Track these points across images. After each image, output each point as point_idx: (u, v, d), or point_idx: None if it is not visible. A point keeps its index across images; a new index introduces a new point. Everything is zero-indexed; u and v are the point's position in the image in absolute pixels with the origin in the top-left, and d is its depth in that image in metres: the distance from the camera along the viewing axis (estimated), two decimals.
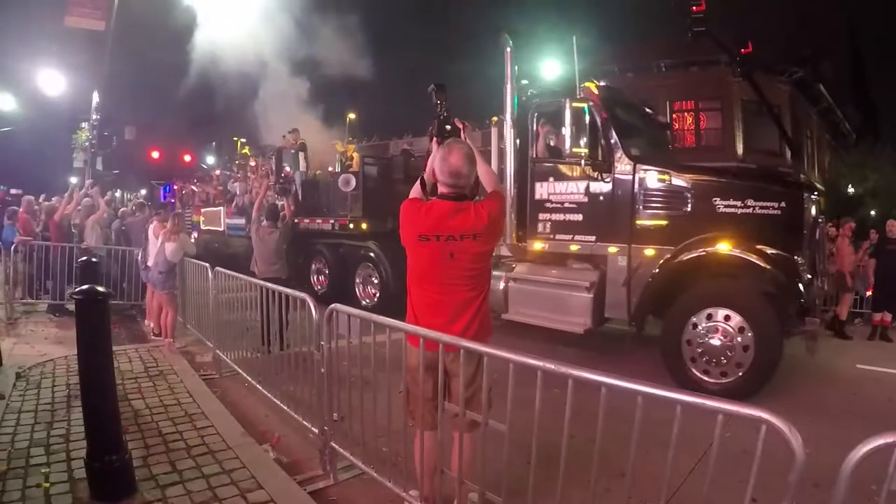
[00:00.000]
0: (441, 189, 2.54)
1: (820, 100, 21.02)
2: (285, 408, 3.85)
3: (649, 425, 1.77)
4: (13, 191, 21.87)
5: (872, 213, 18.51)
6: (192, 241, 7.75)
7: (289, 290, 3.95)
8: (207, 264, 5.60)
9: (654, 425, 1.77)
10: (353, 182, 8.58)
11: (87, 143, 14.09)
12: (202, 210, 13.07)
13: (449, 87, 2.90)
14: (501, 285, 6.15)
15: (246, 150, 21.66)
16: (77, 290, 2.95)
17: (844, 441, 1.51)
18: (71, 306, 6.38)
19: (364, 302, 8.46)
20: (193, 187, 15.11)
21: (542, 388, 2.07)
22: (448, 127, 2.80)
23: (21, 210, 8.33)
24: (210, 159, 26.22)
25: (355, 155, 9.70)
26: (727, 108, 17.66)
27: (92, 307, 2.91)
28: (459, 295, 2.49)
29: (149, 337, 6.61)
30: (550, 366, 2.00)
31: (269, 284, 4.38)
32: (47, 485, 2.87)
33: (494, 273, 6.07)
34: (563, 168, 5.77)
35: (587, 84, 5.65)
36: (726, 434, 1.66)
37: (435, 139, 2.78)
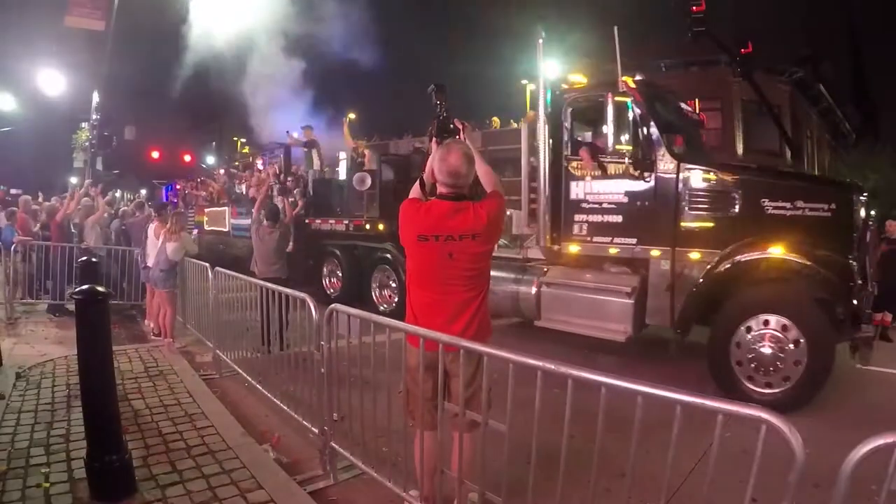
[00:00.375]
0: (440, 189, 2.55)
1: (820, 100, 21.03)
2: (285, 408, 3.85)
3: (649, 425, 1.77)
4: (13, 191, 21.87)
5: (872, 213, 18.48)
6: (193, 239, 7.72)
7: (289, 290, 3.95)
8: (207, 264, 5.60)
9: (654, 425, 1.77)
10: (369, 181, 8.23)
11: (87, 143, 14.09)
12: (206, 210, 12.86)
13: (449, 86, 2.90)
14: (533, 290, 5.92)
15: (246, 150, 21.67)
16: (77, 290, 2.95)
17: (844, 441, 1.51)
18: (71, 306, 6.38)
19: (382, 307, 8.10)
20: (197, 188, 14.92)
21: (542, 388, 2.07)
22: (449, 127, 2.81)
23: (19, 210, 8.34)
24: (210, 159, 26.25)
25: (367, 152, 9.45)
26: (727, 108, 17.69)
27: (92, 307, 2.91)
28: (458, 295, 2.50)
29: (149, 337, 6.61)
30: (550, 366, 2.00)
31: (269, 284, 4.38)
32: (47, 485, 2.87)
33: (524, 277, 6.02)
34: (598, 167, 5.50)
35: (625, 78, 5.34)
36: (726, 434, 1.66)
37: (434, 139, 2.79)
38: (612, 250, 5.47)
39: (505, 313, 6.48)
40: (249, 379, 4.57)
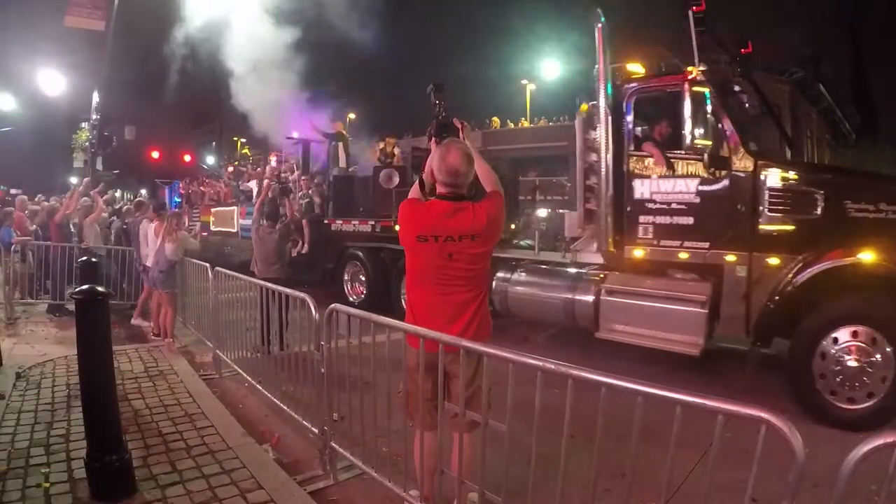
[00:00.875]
0: (439, 189, 2.54)
1: (820, 100, 20.99)
2: (285, 408, 3.85)
3: (649, 425, 1.77)
4: (13, 191, 21.88)
5: None
6: (194, 238, 7.68)
7: (289, 290, 3.95)
8: (207, 264, 5.60)
9: (654, 425, 1.77)
10: (397, 178, 7.73)
11: (87, 143, 14.08)
12: (213, 210, 12.48)
13: (449, 86, 2.91)
14: (590, 298, 5.42)
15: (246, 150, 21.67)
16: (77, 289, 2.96)
17: (844, 441, 1.51)
18: (71, 306, 6.38)
19: None
20: (202, 187, 14.56)
21: (542, 388, 2.07)
22: (448, 126, 2.81)
23: (16, 209, 8.34)
24: (210, 159, 26.27)
25: (396, 151, 8.99)
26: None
27: (92, 307, 2.92)
28: (458, 296, 2.49)
29: (149, 337, 6.61)
30: (550, 366, 2.00)
31: (269, 284, 4.38)
32: (47, 485, 2.87)
33: (579, 284, 5.62)
34: (667, 164, 5.04)
35: (690, 68, 4.89)
36: (726, 434, 1.66)
37: (434, 139, 2.79)
38: (683, 255, 5.01)
39: (555, 322, 6.12)
40: (249, 379, 4.57)
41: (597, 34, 5.16)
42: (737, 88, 5.32)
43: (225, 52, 12.45)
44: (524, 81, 27.71)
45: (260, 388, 4.34)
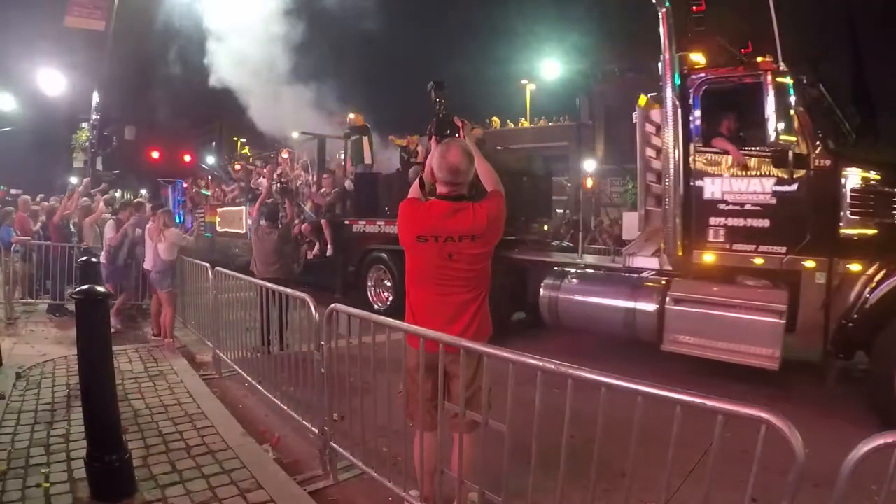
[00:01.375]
0: (440, 188, 2.53)
1: (820, 100, 21.00)
2: (285, 408, 3.85)
3: (649, 425, 1.77)
4: (13, 191, 21.88)
5: None
6: (190, 235, 7.63)
7: (289, 290, 3.95)
8: (207, 264, 5.59)
9: (654, 425, 1.77)
10: None
11: (87, 143, 14.07)
12: (218, 210, 12.18)
13: (448, 86, 2.91)
14: (653, 307, 5.05)
15: (246, 150, 21.65)
16: (77, 290, 2.96)
17: (844, 441, 1.51)
18: (71, 306, 6.38)
19: None
20: (205, 187, 14.25)
21: (542, 388, 2.07)
22: (449, 125, 2.82)
23: (18, 210, 8.34)
24: (210, 159, 26.24)
25: (420, 149, 8.45)
26: None
27: (92, 307, 2.91)
28: (458, 296, 2.49)
29: (149, 337, 6.62)
30: (550, 366, 2.00)
31: (269, 284, 4.38)
32: (47, 485, 2.87)
33: (638, 292, 5.29)
34: (744, 161, 4.69)
35: (760, 59, 4.62)
36: (726, 434, 1.66)
37: (434, 138, 2.79)
38: (757, 260, 4.67)
39: (611, 334, 5.63)
40: (249, 379, 4.57)
41: (661, 19, 4.81)
42: (804, 81, 4.98)
43: (236, 49, 12.37)
44: (524, 81, 27.74)
45: (260, 388, 4.34)
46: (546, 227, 7.24)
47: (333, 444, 3.20)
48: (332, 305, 3.16)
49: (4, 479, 2.92)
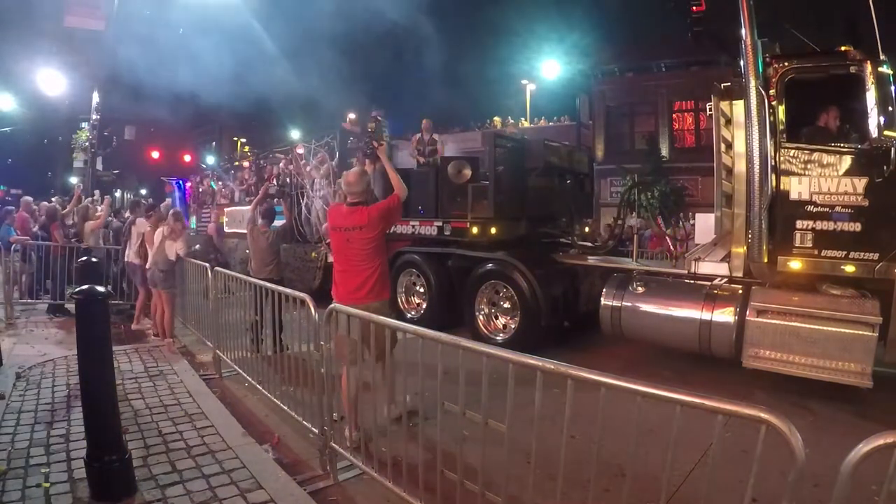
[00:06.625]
0: (347, 197, 3.79)
1: None
2: (285, 408, 3.85)
3: (649, 425, 1.77)
4: (13, 191, 21.89)
5: None
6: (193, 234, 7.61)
7: (288, 290, 3.95)
8: (207, 264, 5.59)
9: (654, 425, 1.76)
10: (469, 171, 6.58)
11: (87, 143, 14.06)
12: (226, 210, 11.77)
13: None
14: (731, 319, 4.66)
15: (246, 150, 21.66)
16: (77, 290, 2.96)
17: (844, 441, 1.51)
18: (71, 306, 6.38)
19: (498, 338, 6.05)
20: (212, 184, 13.94)
21: (542, 388, 2.07)
22: (371, 149, 4.14)
23: (20, 209, 8.34)
24: (210, 159, 26.24)
25: (439, 146, 8.07)
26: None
27: (92, 307, 2.92)
28: (360, 267, 3.66)
29: (149, 337, 6.62)
30: (550, 366, 2.01)
31: (268, 284, 4.37)
32: (47, 485, 2.87)
33: (711, 302, 4.86)
34: (831, 159, 4.27)
35: (842, 48, 4.30)
36: (726, 434, 1.66)
37: (366, 159, 3.94)
38: (848, 268, 4.27)
39: (681, 348, 5.18)
40: (249, 379, 4.57)
41: (741, 6, 4.38)
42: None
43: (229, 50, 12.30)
44: (524, 81, 27.74)
45: (260, 387, 4.33)
46: (587, 230, 6.91)
47: (333, 444, 3.20)
48: (332, 305, 3.17)
49: (4, 479, 2.92)
